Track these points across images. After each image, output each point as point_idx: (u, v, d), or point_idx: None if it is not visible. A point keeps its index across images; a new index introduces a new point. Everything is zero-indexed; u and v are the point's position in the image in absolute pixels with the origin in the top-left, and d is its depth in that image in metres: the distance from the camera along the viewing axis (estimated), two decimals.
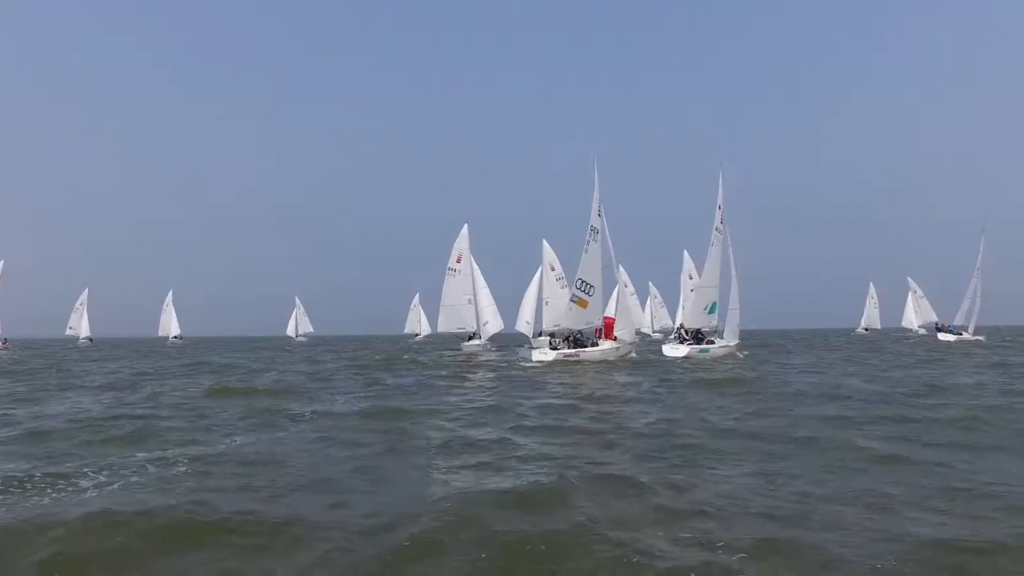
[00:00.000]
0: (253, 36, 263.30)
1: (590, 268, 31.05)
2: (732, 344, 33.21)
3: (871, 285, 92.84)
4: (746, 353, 33.37)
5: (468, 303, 46.73)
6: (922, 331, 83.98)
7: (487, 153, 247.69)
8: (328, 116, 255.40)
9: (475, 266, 47.43)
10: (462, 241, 46.70)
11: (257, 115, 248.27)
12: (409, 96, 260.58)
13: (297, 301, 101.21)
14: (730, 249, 33.26)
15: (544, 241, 49.95)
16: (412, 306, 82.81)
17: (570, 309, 31.06)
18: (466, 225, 47.18)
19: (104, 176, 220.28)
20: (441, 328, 47.61)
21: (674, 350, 32.13)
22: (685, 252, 57.56)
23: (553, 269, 49.51)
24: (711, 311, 33.87)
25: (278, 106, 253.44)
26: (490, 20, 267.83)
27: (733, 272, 33.24)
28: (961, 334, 53.87)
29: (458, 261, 46.49)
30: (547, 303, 49.00)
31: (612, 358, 30.28)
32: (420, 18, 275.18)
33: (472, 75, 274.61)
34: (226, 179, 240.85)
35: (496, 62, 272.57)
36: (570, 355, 29.08)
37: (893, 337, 70.32)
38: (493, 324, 48.28)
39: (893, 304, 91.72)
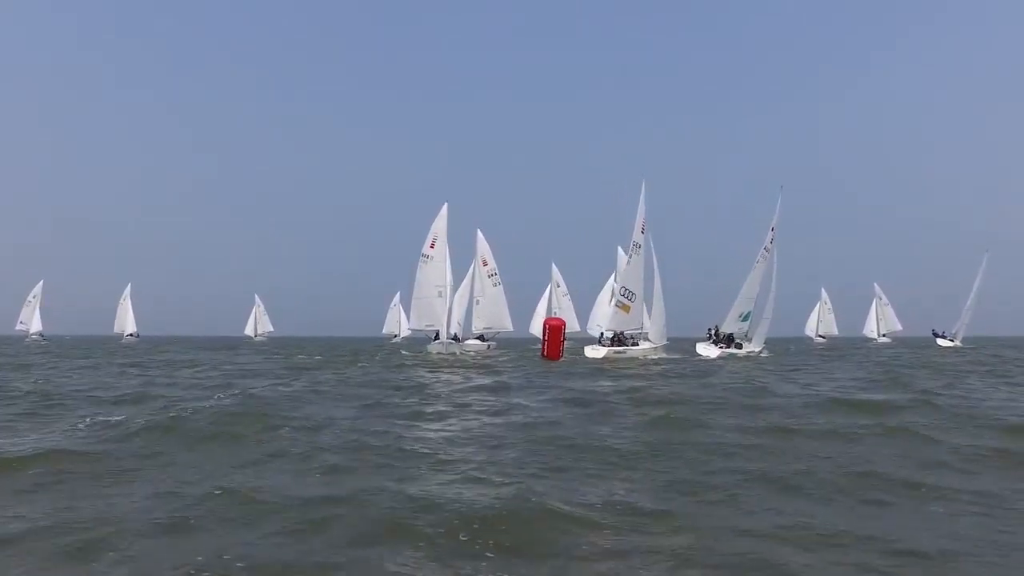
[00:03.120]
0: (221, 34, 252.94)
1: (633, 278, 34.83)
2: (756, 349, 36.57)
3: (823, 290, 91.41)
4: (766, 354, 36.20)
5: (439, 295, 41.31)
6: (884, 339, 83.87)
7: (486, 152, 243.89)
8: (311, 112, 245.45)
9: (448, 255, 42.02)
10: (440, 221, 41.20)
11: (239, 109, 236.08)
12: (403, 95, 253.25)
13: (257, 299, 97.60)
14: (774, 268, 36.69)
15: (479, 231, 46.09)
16: (392, 305, 79.94)
17: (615, 313, 35.17)
18: (446, 205, 41.42)
19: (65, 166, 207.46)
20: (413, 325, 42.61)
21: (707, 350, 35.77)
22: (619, 248, 49.52)
23: (485, 264, 45.54)
24: (745, 319, 37.30)
25: (254, 100, 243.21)
26: (490, 21, 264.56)
27: (773, 288, 36.31)
28: (953, 341, 56.82)
29: (431, 247, 40.98)
30: (478, 301, 45.07)
31: (646, 356, 33.21)
32: (420, 19, 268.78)
33: (471, 75, 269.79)
34: (205, 174, 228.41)
35: (495, 62, 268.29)
36: (619, 351, 33.29)
37: (865, 347, 67.77)
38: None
39: (846, 311, 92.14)
